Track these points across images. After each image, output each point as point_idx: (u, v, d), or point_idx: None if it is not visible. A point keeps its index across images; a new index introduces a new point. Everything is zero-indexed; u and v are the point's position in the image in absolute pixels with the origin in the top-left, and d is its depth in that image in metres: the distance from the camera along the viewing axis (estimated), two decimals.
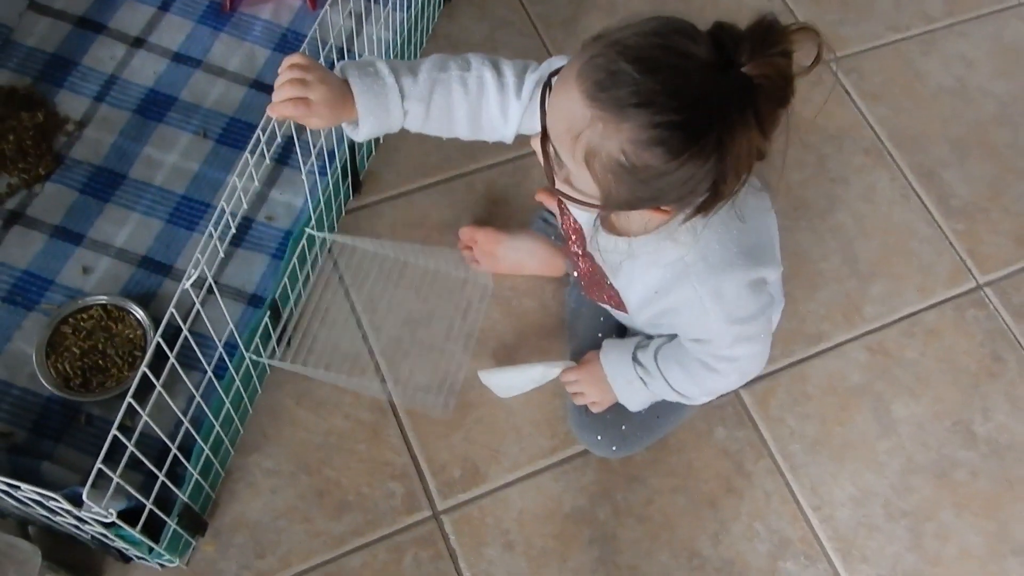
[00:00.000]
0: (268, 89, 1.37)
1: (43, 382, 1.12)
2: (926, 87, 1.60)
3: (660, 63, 0.70)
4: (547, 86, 0.80)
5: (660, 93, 0.70)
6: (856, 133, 1.53)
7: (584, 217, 0.99)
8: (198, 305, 0.88)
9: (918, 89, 1.60)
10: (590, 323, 1.21)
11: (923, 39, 1.65)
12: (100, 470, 0.76)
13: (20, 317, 1.18)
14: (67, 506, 0.77)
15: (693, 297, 0.90)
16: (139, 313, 1.17)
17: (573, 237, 1.04)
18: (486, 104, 0.94)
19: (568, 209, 1.02)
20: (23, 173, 1.26)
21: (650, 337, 1.08)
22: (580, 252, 1.04)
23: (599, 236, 0.92)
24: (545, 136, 0.80)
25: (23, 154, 1.27)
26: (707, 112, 0.71)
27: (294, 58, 0.88)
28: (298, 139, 1.16)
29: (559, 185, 0.83)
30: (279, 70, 0.89)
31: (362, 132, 0.92)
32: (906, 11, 1.68)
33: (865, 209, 1.46)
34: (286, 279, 1.16)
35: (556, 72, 0.80)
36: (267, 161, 0.98)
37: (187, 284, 0.82)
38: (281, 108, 0.87)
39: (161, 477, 0.89)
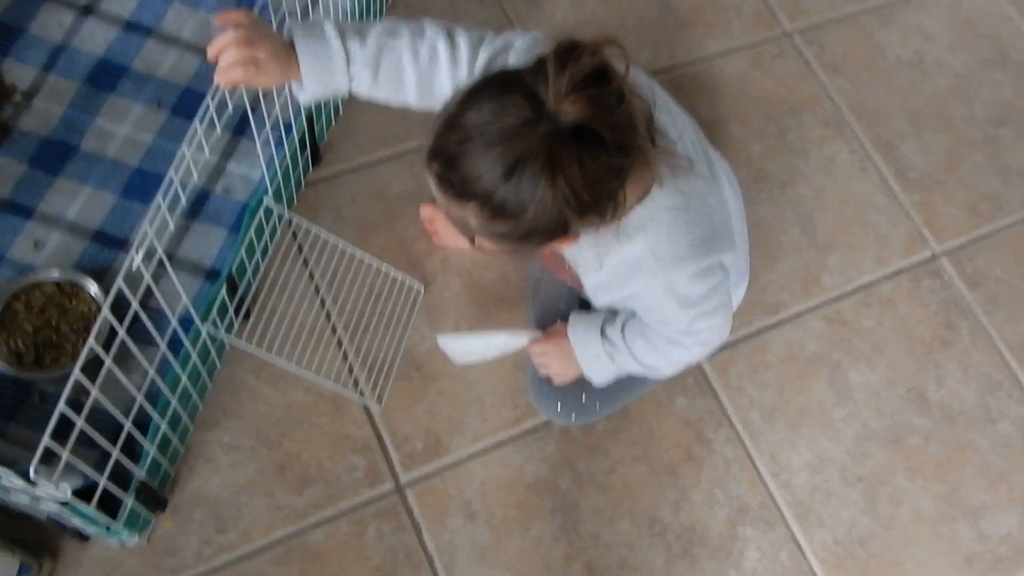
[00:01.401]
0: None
1: None
2: (885, 60, 1.61)
3: (476, 148, 0.73)
4: None
5: (479, 179, 0.73)
6: (816, 105, 1.54)
7: None
8: (148, 279, 0.86)
9: (877, 62, 1.61)
10: (553, 291, 1.21)
11: (882, 12, 1.66)
12: (50, 448, 0.74)
13: None
14: (20, 483, 0.76)
15: (646, 288, 0.91)
16: (93, 288, 1.15)
17: None
18: (437, 75, 0.93)
19: None
20: None
21: (615, 311, 1.09)
22: None
23: None
24: None
25: None
26: (522, 173, 0.72)
27: (235, 16, 0.86)
28: (253, 112, 1.14)
29: (473, 241, 0.84)
30: (221, 28, 0.86)
31: (306, 94, 0.90)
32: None
33: (824, 181, 1.47)
34: (243, 252, 1.14)
35: None
36: (218, 131, 0.96)
37: (137, 258, 0.80)
38: (230, 72, 0.85)
39: (115, 453, 0.88)
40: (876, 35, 1.64)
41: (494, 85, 0.75)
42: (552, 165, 0.71)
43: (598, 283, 0.97)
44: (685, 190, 0.86)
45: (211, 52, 0.87)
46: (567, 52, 0.71)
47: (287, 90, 1.21)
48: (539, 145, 0.71)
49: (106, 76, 1.31)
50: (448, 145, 0.75)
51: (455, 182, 0.75)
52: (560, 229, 0.77)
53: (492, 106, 0.73)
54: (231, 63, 0.85)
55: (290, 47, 0.88)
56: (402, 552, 1.11)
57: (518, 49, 0.91)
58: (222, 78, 0.86)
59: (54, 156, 1.24)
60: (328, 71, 0.89)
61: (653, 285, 0.91)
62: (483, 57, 0.92)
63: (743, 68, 1.56)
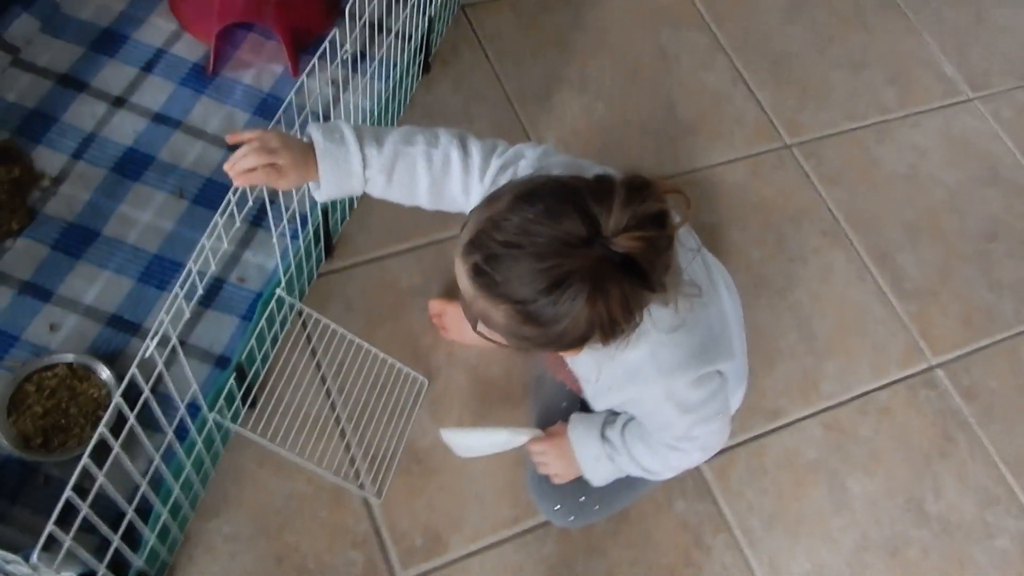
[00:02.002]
0: None
1: (2, 441, 1.11)
2: (881, 173, 1.67)
3: (525, 252, 0.75)
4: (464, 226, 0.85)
5: (523, 284, 0.75)
6: (815, 215, 1.59)
7: None
8: (160, 366, 0.88)
9: (873, 174, 1.67)
10: (554, 390, 1.23)
11: (878, 128, 1.74)
12: (53, 533, 0.75)
13: None
14: (24, 570, 0.77)
15: (645, 394, 0.94)
16: (105, 372, 1.17)
17: None
18: (449, 181, 0.97)
19: None
20: None
21: (616, 413, 1.11)
22: None
23: None
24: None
25: None
26: (567, 290, 0.75)
27: (248, 134, 0.91)
28: (271, 204, 1.18)
29: (479, 329, 0.87)
30: (239, 146, 0.91)
31: (322, 194, 0.95)
32: (862, 101, 1.77)
33: (822, 288, 1.51)
34: (254, 341, 1.16)
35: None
36: (238, 223, 1.00)
37: (151, 346, 0.83)
38: (249, 176, 0.90)
39: (115, 542, 0.88)
40: (872, 150, 1.70)
41: (550, 194, 0.77)
42: (596, 289, 0.74)
43: (598, 388, 0.99)
44: (680, 312, 0.89)
45: (228, 167, 0.91)
46: (638, 189, 0.75)
47: (305, 186, 1.26)
48: (588, 268, 0.74)
49: (132, 165, 1.37)
50: (493, 244, 0.77)
51: (494, 281, 0.77)
52: (579, 343, 0.80)
53: (546, 216, 0.75)
54: (250, 167, 0.89)
55: (308, 148, 0.93)
56: None
57: (529, 159, 0.96)
58: (242, 181, 0.90)
59: (77, 240, 1.28)
60: (345, 174, 0.94)
61: (653, 391, 0.93)
62: (495, 166, 0.97)
63: (744, 177, 1.61)
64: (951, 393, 1.44)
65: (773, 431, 1.35)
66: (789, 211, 1.59)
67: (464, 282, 0.81)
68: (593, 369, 0.95)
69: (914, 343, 1.48)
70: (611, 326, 0.77)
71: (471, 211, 0.83)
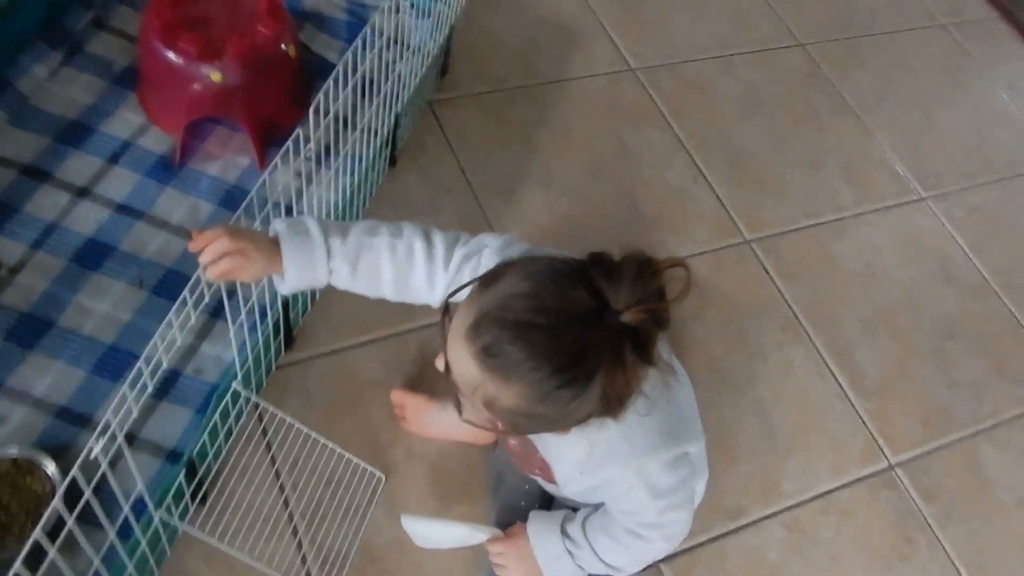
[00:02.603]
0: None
1: None
2: (838, 269, 1.71)
3: (537, 328, 0.76)
4: (445, 310, 0.86)
5: (541, 361, 0.76)
6: (774, 310, 1.62)
7: None
8: (105, 467, 0.85)
9: (831, 271, 1.70)
10: (514, 490, 1.21)
11: (835, 225, 1.78)
12: None
13: None
14: None
15: (618, 476, 0.93)
16: (51, 467, 1.14)
17: None
18: (413, 271, 0.98)
19: None
20: None
21: (575, 509, 1.09)
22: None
23: None
24: (448, 367, 0.84)
25: None
26: (587, 364, 0.76)
27: (210, 233, 0.91)
28: (229, 297, 1.17)
29: (465, 415, 0.87)
30: (201, 247, 0.92)
31: (286, 285, 0.95)
32: (818, 199, 1.82)
33: (783, 385, 1.52)
34: (206, 436, 1.14)
35: (461, 289, 0.86)
36: (192, 320, 0.99)
37: (95, 448, 0.81)
38: (219, 265, 0.90)
39: None
40: (829, 246, 1.74)
41: (553, 271, 0.78)
42: (615, 363, 0.75)
43: (570, 471, 0.98)
44: (656, 390, 0.90)
45: (194, 247, 0.91)
46: (645, 265, 0.76)
47: (265, 279, 1.26)
48: (605, 341, 0.75)
49: (93, 255, 1.36)
50: (502, 323, 0.76)
51: (508, 363, 0.76)
52: (584, 419, 0.80)
53: (554, 293, 0.76)
54: (219, 254, 0.90)
55: (273, 242, 0.93)
56: None
57: (492, 247, 0.97)
58: (213, 272, 0.91)
59: (31, 331, 1.26)
60: (310, 264, 0.94)
61: (625, 473, 0.93)
62: (458, 255, 0.98)
63: (705, 271, 1.64)
64: (910, 494, 1.44)
65: (734, 531, 1.34)
66: (750, 306, 1.61)
67: (467, 367, 0.80)
68: (569, 451, 0.94)
69: (873, 442, 1.48)
70: (618, 401, 0.78)
71: (468, 296, 0.83)
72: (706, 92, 1.95)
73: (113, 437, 0.86)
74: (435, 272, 0.98)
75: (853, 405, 1.52)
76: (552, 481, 1.05)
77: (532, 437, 1.00)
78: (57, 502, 0.79)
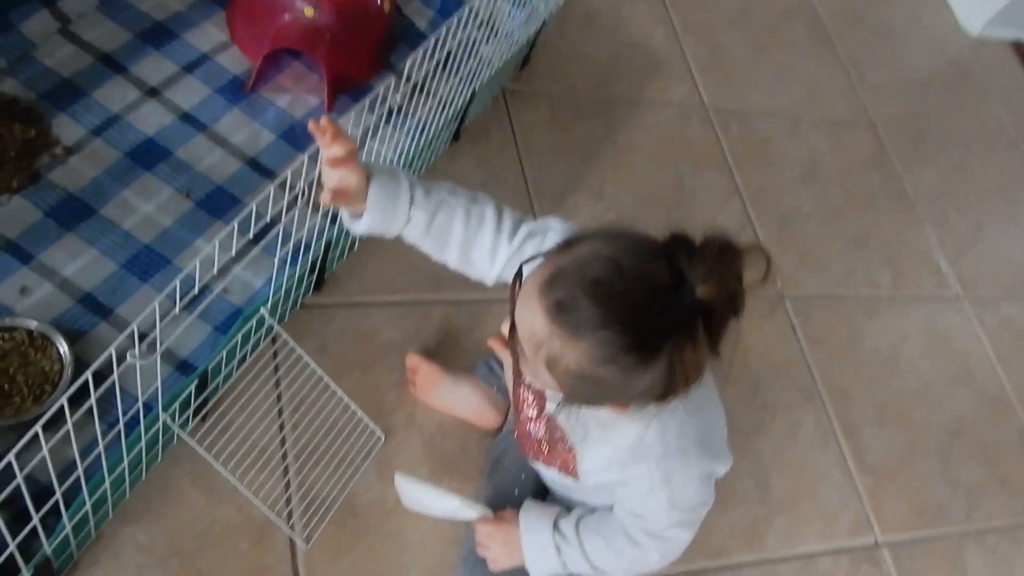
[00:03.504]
0: (264, 170, 1.41)
1: None
2: (863, 346, 1.71)
3: (614, 288, 0.76)
4: (518, 275, 0.85)
5: (612, 319, 0.75)
6: (794, 370, 1.61)
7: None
8: (138, 365, 0.85)
9: (856, 346, 1.70)
10: (509, 477, 1.20)
11: (868, 303, 1.78)
12: None
13: None
14: None
15: (645, 477, 0.92)
16: (63, 347, 1.13)
17: (531, 399, 1.05)
18: (480, 238, 0.98)
19: None
20: None
21: (569, 508, 1.09)
22: (534, 416, 1.05)
23: (563, 415, 0.94)
24: (513, 328, 0.84)
25: (1, 163, 1.26)
26: (658, 334, 0.75)
27: (330, 128, 0.89)
28: (274, 225, 1.17)
29: (526, 374, 0.86)
30: (326, 139, 0.89)
31: (362, 224, 0.94)
32: (857, 275, 1.82)
33: (786, 443, 1.51)
34: (223, 354, 1.14)
35: (529, 261, 0.86)
36: (233, 252, 0.98)
37: (137, 352, 0.81)
38: (336, 163, 0.89)
39: (36, 520, 0.83)
40: (859, 322, 1.74)
41: (635, 240, 0.78)
42: (687, 337, 0.74)
43: (598, 464, 0.97)
44: (700, 394, 0.90)
45: (316, 128, 0.89)
46: (726, 247, 0.75)
47: (308, 212, 1.26)
48: (678, 313, 0.74)
49: (148, 155, 1.36)
50: (578, 281, 0.76)
51: (580, 319, 0.75)
52: (641, 396, 0.79)
53: (634, 259, 0.76)
54: (338, 155, 0.89)
55: (362, 177, 0.92)
56: None
57: (558, 230, 0.97)
58: (330, 182, 0.91)
59: (73, 213, 1.26)
60: (392, 207, 0.94)
61: (653, 474, 0.92)
62: (523, 231, 0.98)
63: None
64: (891, 575, 1.43)
65: (713, 570, 1.32)
66: (770, 360, 1.61)
67: (536, 323, 0.78)
68: (603, 444, 0.93)
69: (865, 517, 1.47)
70: (683, 381, 0.77)
71: (544, 258, 0.82)
72: (771, 148, 1.96)
73: (148, 344, 0.86)
74: (499, 243, 0.98)
75: (853, 478, 1.51)
76: (571, 473, 1.04)
77: (567, 424, 0.99)
78: (88, 374, 0.79)
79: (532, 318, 0.79)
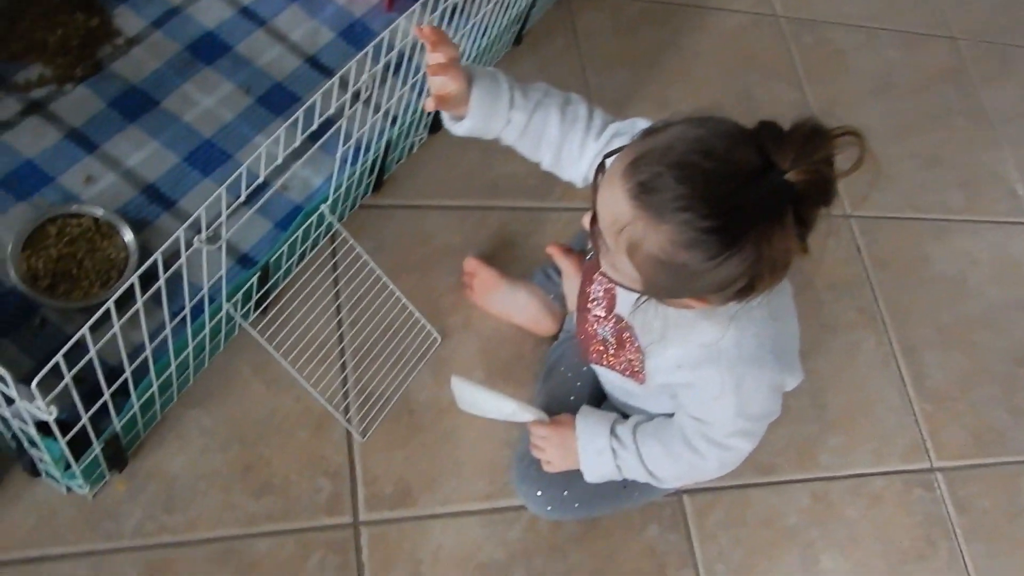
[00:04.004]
0: (322, 68, 1.39)
1: (11, 272, 1.08)
2: (930, 269, 1.66)
3: (700, 169, 0.72)
4: (601, 167, 0.83)
5: (697, 200, 0.72)
6: (856, 291, 1.57)
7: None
8: (204, 249, 0.85)
9: (922, 269, 1.65)
10: (565, 383, 1.20)
11: (938, 225, 1.72)
12: (48, 371, 0.72)
13: (8, 204, 1.15)
14: (11, 391, 0.74)
15: (715, 380, 0.91)
16: (128, 235, 1.15)
17: (601, 297, 1.04)
18: (572, 135, 0.97)
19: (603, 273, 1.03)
20: (59, 68, 1.25)
21: (625, 416, 1.09)
22: (604, 315, 1.04)
23: (636, 314, 0.91)
24: (595, 218, 0.82)
25: (65, 51, 1.26)
26: (744, 217, 0.72)
27: (433, 34, 0.91)
28: (340, 123, 1.16)
29: (605, 267, 0.84)
30: (432, 39, 0.91)
31: (463, 127, 0.95)
32: (929, 195, 1.75)
33: (844, 363, 1.49)
34: (284, 248, 1.14)
35: (612, 154, 0.83)
36: (297, 143, 0.97)
37: (203, 237, 0.81)
38: (440, 67, 0.91)
39: (107, 395, 0.86)
40: (927, 244, 1.69)
41: (723, 124, 0.75)
42: (773, 220, 0.72)
43: (665, 364, 0.96)
44: (779, 302, 0.88)
45: (423, 33, 0.92)
46: (816, 131, 0.72)
47: (371, 112, 1.24)
48: (766, 195, 0.71)
49: (208, 49, 1.35)
50: (664, 161, 0.73)
51: (664, 199, 0.73)
52: (724, 285, 0.76)
53: (721, 142, 0.73)
54: (443, 60, 0.91)
55: (464, 82, 0.93)
56: None
57: (640, 126, 0.95)
58: (430, 104, 0.94)
59: (135, 104, 1.26)
60: (493, 108, 0.94)
61: (724, 377, 0.90)
62: (611, 129, 0.98)
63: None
64: (944, 500, 1.41)
65: (762, 485, 1.32)
66: (832, 279, 1.57)
67: (619, 206, 0.76)
68: (676, 344, 0.92)
69: (921, 441, 1.45)
70: (768, 272, 0.74)
71: (629, 143, 0.80)
72: (844, 59, 1.87)
73: (211, 233, 0.86)
74: (588, 140, 0.98)
75: (910, 401, 1.48)
76: (636, 376, 1.03)
77: (638, 324, 0.97)
78: (158, 254, 0.79)
79: (614, 202, 0.77)
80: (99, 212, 1.15)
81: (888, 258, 1.63)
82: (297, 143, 0.95)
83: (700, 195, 0.72)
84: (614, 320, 1.01)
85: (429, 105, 0.93)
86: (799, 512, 1.32)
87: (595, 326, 1.06)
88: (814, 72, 1.82)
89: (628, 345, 1.01)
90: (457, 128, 0.97)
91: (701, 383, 0.93)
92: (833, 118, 1.77)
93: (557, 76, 1.58)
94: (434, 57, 0.91)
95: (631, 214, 0.75)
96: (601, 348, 1.06)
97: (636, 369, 1.01)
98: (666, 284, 0.79)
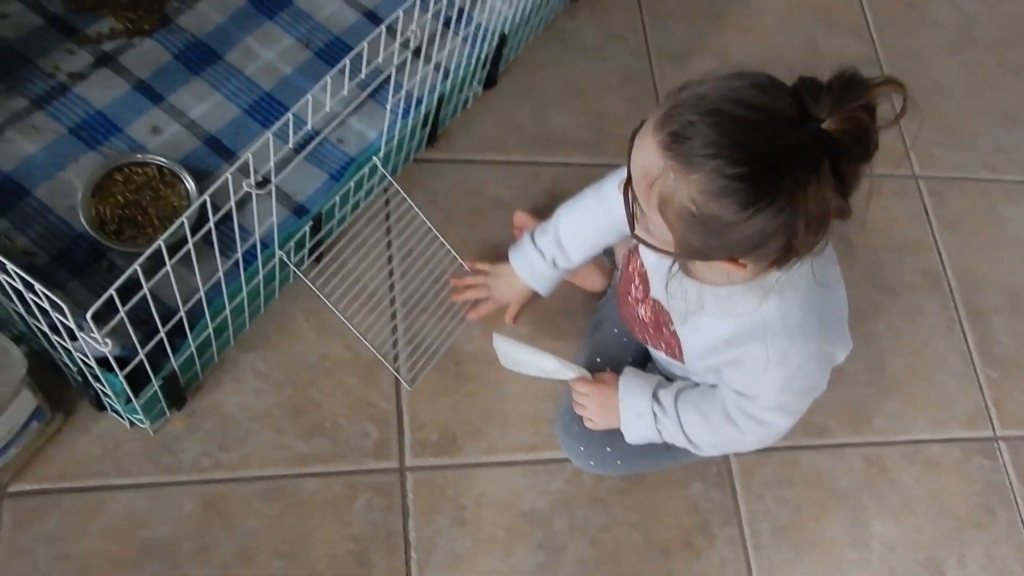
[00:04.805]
0: (379, 21, 1.40)
1: (80, 217, 1.14)
2: (1001, 232, 1.59)
3: (732, 116, 0.70)
4: (636, 131, 0.81)
5: (728, 146, 0.70)
6: (920, 252, 1.52)
7: (654, 263, 0.98)
8: (255, 195, 0.88)
9: (993, 231, 1.59)
10: (611, 339, 1.20)
11: (1012, 187, 1.64)
12: (106, 307, 0.76)
13: (79, 152, 1.20)
14: (70, 323, 0.78)
15: (760, 356, 0.88)
16: (190, 184, 1.19)
17: (637, 281, 1.04)
18: (588, 205, 1.11)
19: (638, 253, 1.02)
20: (128, 22, 1.29)
21: (669, 379, 1.08)
22: (641, 297, 1.04)
23: (671, 283, 0.90)
24: (628, 181, 0.80)
25: (135, 5, 1.30)
26: (777, 166, 0.70)
27: (475, 279, 1.23)
28: (391, 78, 1.17)
29: (638, 231, 0.83)
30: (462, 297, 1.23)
31: (539, 291, 1.19)
32: (1004, 156, 1.67)
33: (905, 327, 1.45)
34: (337, 199, 1.17)
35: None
36: (345, 92, 0.99)
37: (252, 181, 0.83)
38: (477, 310, 1.23)
39: (162, 332, 0.90)
40: (999, 206, 1.62)
41: (758, 76, 0.73)
42: (809, 168, 0.69)
43: (702, 347, 0.95)
44: (824, 271, 0.86)
45: (458, 297, 1.24)
46: (854, 79, 0.70)
47: (421, 64, 1.26)
48: (801, 144, 0.69)
49: (269, 3, 1.37)
50: (697, 110, 0.71)
51: (694, 147, 0.71)
52: (758, 242, 0.74)
53: (755, 92, 0.71)
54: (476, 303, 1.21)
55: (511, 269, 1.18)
56: (383, 531, 1.10)
57: None
58: (474, 315, 1.22)
59: (199, 57, 1.30)
60: (538, 271, 1.16)
61: (769, 352, 0.88)
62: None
63: (859, 193, 1.54)
64: (1006, 469, 1.37)
65: (812, 447, 1.31)
66: (895, 241, 1.52)
67: (650, 158, 0.74)
68: (714, 309, 0.90)
69: (983, 409, 1.41)
70: (807, 223, 0.71)
71: (666, 95, 0.78)
72: (919, 12, 1.80)
73: (259, 178, 0.88)
74: (602, 186, 1.09)
75: (975, 367, 1.44)
76: (677, 358, 1.03)
77: (672, 305, 0.96)
78: (205, 196, 0.82)
79: (646, 156, 0.75)
80: (163, 161, 1.20)
81: (956, 219, 1.57)
82: (344, 91, 0.96)
83: (731, 142, 0.70)
84: (652, 303, 1.01)
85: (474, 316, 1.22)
86: (850, 475, 1.30)
87: (635, 308, 1.06)
88: (886, 26, 1.74)
89: (665, 329, 1.00)
90: (541, 291, 1.19)
91: (745, 359, 0.91)
92: (904, 72, 1.71)
93: (615, 29, 1.56)
94: (479, 312, 1.21)
95: (662, 166, 0.73)
96: (643, 328, 1.06)
97: (675, 352, 1.01)
98: (698, 242, 0.77)
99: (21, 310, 0.88)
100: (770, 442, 1.02)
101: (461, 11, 1.42)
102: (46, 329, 0.88)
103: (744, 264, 0.80)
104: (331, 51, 1.36)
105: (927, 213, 1.57)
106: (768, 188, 0.70)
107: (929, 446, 1.36)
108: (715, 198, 0.71)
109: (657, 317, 1.02)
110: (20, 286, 0.78)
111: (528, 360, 1.15)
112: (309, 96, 0.90)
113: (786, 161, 0.69)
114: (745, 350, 0.90)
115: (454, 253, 1.27)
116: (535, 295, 1.19)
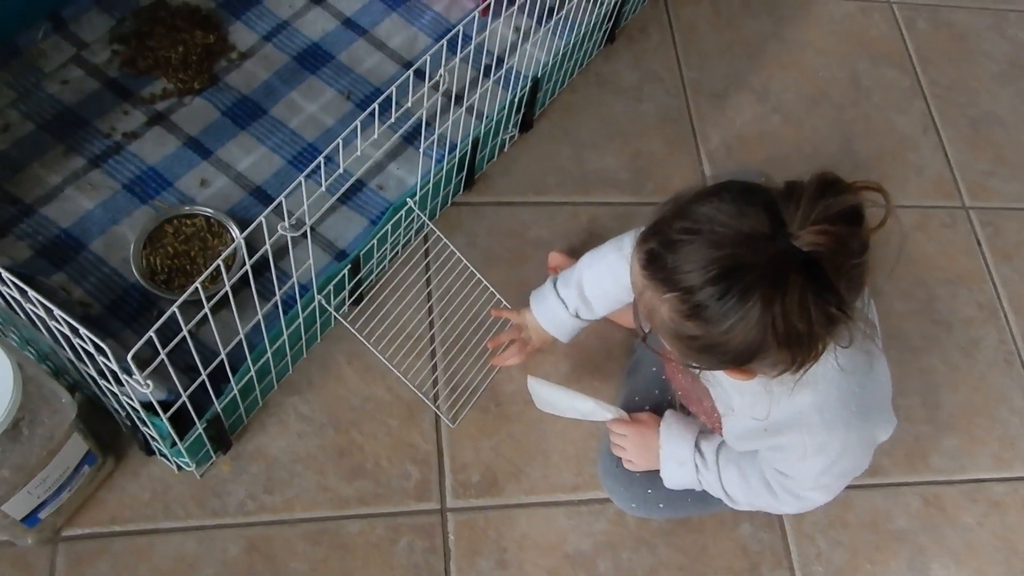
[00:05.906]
0: (420, 73, 1.43)
1: (132, 268, 1.18)
2: None
3: (703, 235, 0.70)
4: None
5: (696, 269, 0.70)
6: (975, 285, 1.48)
7: None
8: (289, 236, 0.91)
9: None
10: (651, 378, 1.19)
11: None
12: (152, 352, 0.79)
13: (133, 206, 1.26)
14: (114, 365, 0.81)
15: (799, 445, 0.87)
16: (236, 233, 1.23)
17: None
18: (610, 264, 1.08)
19: None
20: (180, 83, 1.35)
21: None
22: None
23: (703, 374, 0.90)
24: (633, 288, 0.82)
25: (186, 66, 1.36)
26: (738, 280, 0.69)
27: (510, 334, 1.20)
28: (427, 126, 1.20)
29: (648, 338, 0.84)
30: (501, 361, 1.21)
31: (559, 340, 1.17)
32: None
33: (961, 361, 1.40)
34: (375, 241, 1.19)
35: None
36: (375, 135, 1.02)
37: (287, 223, 0.86)
38: (506, 358, 1.19)
39: (203, 375, 0.93)
40: None
41: (737, 189, 0.72)
42: (773, 286, 0.68)
43: (745, 430, 0.93)
44: (859, 355, 0.84)
45: (498, 361, 1.21)
46: (829, 184, 0.68)
47: (452, 113, 1.28)
48: (766, 262, 0.68)
49: (313, 59, 1.43)
50: (671, 230, 0.73)
51: (665, 267, 0.72)
52: (746, 357, 0.73)
53: (729, 208, 0.70)
54: (509, 352, 1.18)
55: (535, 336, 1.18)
56: (426, 572, 1.10)
57: None
58: (499, 361, 1.20)
59: (246, 112, 1.35)
60: (556, 319, 1.14)
61: (807, 443, 0.86)
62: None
63: (908, 226, 1.52)
64: None
65: (866, 487, 1.26)
66: (948, 274, 1.48)
67: (635, 275, 0.77)
68: (748, 408, 0.89)
69: None
70: (788, 337, 0.69)
71: (658, 206, 0.79)
72: (966, 43, 1.77)
73: (294, 221, 0.91)
74: (623, 245, 1.06)
75: None
76: (715, 429, 1.01)
77: (711, 388, 0.95)
78: (240, 238, 0.85)
79: (633, 270, 0.77)
80: (210, 212, 1.24)
81: (1012, 251, 1.52)
82: (375, 134, 0.99)
83: (695, 263, 0.70)
84: (687, 372, 1.00)
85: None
86: (908, 516, 1.25)
87: (678, 372, 1.05)
88: (930, 57, 1.72)
89: (705, 402, 0.99)
90: (561, 339, 1.17)
91: (783, 447, 0.90)
92: (952, 103, 1.69)
93: (651, 70, 1.58)
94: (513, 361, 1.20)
95: (643, 284, 0.75)
96: (684, 393, 1.05)
97: (715, 425, 0.99)
98: (691, 355, 0.77)
99: (72, 356, 0.91)
100: (809, 509, 1.00)
101: (492, 55, 1.45)
102: (94, 374, 0.91)
103: (750, 371, 0.78)
104: (372, 101, 1.40)
105: (979, 244, 1.52)
106: (735, 306, 0.69)
107: (992, 485, 1.30)
108: (687, 318, 0.72)
109: (695, 382, 1.01)
110: (68, 331, 0.81)
111: (563, 402, 1.15)
112: (340, 140, 0.93)
113: (751, 275, 0.68)
114: (782, 440, 0.89)
115: (493, 290, 1.28)
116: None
